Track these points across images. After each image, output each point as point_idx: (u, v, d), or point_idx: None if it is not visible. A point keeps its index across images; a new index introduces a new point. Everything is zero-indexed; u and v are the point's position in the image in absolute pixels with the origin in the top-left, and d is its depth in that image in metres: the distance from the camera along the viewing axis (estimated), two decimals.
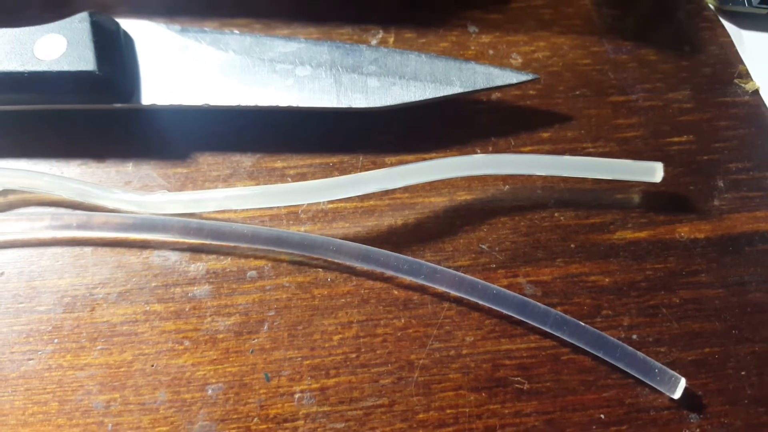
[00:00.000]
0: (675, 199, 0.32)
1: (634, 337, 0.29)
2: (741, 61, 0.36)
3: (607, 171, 0.31)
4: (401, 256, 0.29)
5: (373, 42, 0.35)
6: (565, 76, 0.35)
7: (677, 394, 0.28)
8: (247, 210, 0.31)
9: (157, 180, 0.31)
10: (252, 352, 0.28)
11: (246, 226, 0.29)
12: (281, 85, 0.32)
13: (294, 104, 0.31)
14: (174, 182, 0.31)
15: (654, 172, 0.31)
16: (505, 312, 0.29)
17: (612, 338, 0.28)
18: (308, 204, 0.31)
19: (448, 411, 0.28)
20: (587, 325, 0.28)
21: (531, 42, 0.36)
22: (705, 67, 0.36)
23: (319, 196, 0.30)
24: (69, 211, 0.31)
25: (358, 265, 0.30)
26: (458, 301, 0.29)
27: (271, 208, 0.31)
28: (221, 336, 0.28)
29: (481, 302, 0.29)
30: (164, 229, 0.29)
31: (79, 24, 0.31)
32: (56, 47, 0.30)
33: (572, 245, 0.31)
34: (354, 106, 0.32)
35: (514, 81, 0.33)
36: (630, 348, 0.28)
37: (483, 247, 0.31)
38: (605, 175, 0.31)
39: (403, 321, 0.29)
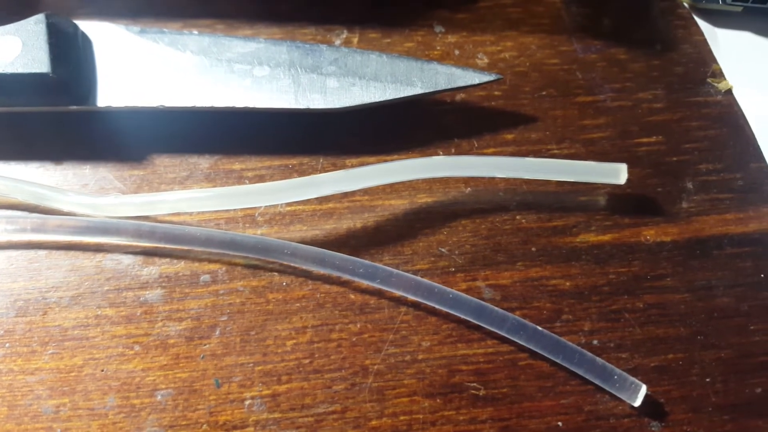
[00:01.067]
0: (641, 201, 0.32)
1: (595, 342, 0.28)
2: (715, 60, 0.36)
3: (569, 173, 0.30)
4: (357, 259, 0.29)
5: (337, 42, 0.35)
6: (531, 76, 0.34)
7: (637, 402, 0.27)
8: (202, 213, 0.30)
9: (114, 182, 0.31)
10: (203, 357, 0.28)
11: (199, 229, 0.29)
12: (238, 85, 0.31)
13: (251, 105, 0.31)
14: (130, 184, 0.31)
15: (618, 173, 0.30)
16: (462, 316, 0.28)
17: (570, 343, 0.27)
18: (265, 207, 0.30)
19: (402, 417, 0.27)
20: (545, 330, 0.28)
21: (498, 42, 0.35)
22: (677, 66, 0.36)
23: (274, 199, 0.29)
24: (24, 214, 0.30)
25: (314, 269, 0.29)
26: (416, 305, 0.29)
27: (227, 210, 0.30)
28: (172, 341, 0.28)
29: (437, 306, 0.28)
30: (117, 232, 0.29)
31: (34, 26, 0.30)
32: (11, 49, 0.30)
33: (533, 248, 0.30)
34: (312, 107, 0.31)
35: (477, 81, 0.32)
36: (589, 353, 0.27)
37: (442, 250, 0.30)
38: (567, 177, 0.31)
39: (358, 326, 0.29)
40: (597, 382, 0.27)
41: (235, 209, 0.30)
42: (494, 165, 0.30)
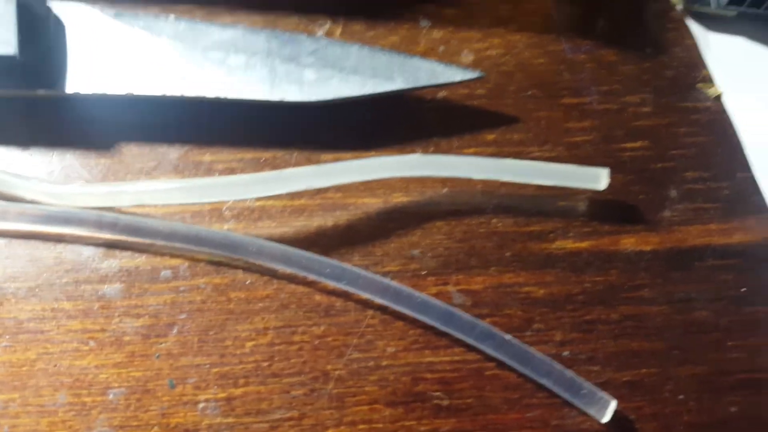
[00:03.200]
0: (623, 208, 0.31)
1: (566, 353, 0.28)
2: (705, 66, 0.35)
3: (548, 176, 0.29)
4: (324, 259, 0.28)
5: (320, 32, 0.34)
6: (517, 75, 0.33)
7: (606, 418, 0.26)
8: (168, 205, 0.29)
9: (80, 171, 0.30)
10: (158, 356, 0.27)
11: (162, 222, 0.28)
12: (212, 74, 0.30)
13: (223, 95, 0.30)
14: (96, 173, 0.30)
15: (598, 178, 0.29)
16: (429, 322, 0.27)
17: (539, 354, 0.27)
18: (233, 201, 0.30)
19: (361, 426, 0.26)
20: (514, 339, 0.27)
21: (485, 39, 0.34)
22: (667, 69, 0.34)
23: (240, 193, 0.28)
24: None
25: (280, 268, 0.28)
26: (383, 309, 0.28)
27: (193, 204, 0.29)
28: (128, 338, 0.27)
29: (405, 311, 0.27)
30: (79, 222, 0.28)
31: (4, 5, 0.29)
32: None
33: (508, 253, 0.29)
34: (287, 99, 0.30)
35: (458, 79, 0.31)
36: (557, 365, 0.26)
37: (415, 252, 0.29)
38: (546, 180, 0.30)
39: (322, 328, 0.28)
40: (565, 395, 0.26)
41: (201, 203, 0.29)
42: (471, 165, 0.29)
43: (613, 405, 0.26)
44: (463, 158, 0.30)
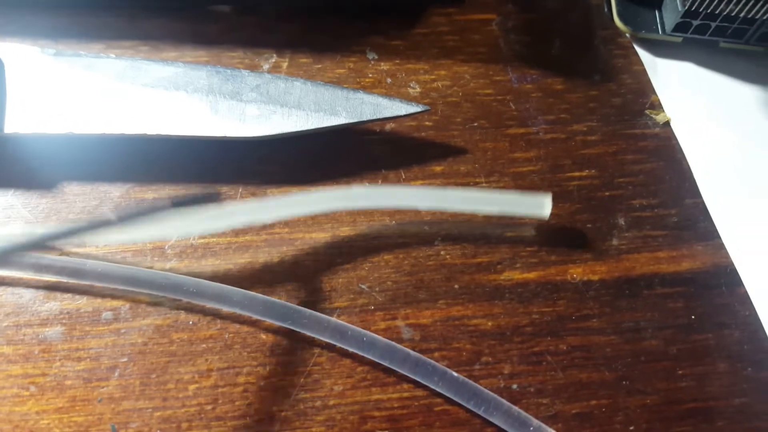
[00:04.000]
0: (570, 238, 0.30)
1: (515, 386, 0.27)
2: (654, 91, 0.35)
3: (491, 204, 0.29)
4: (267, 298, 0.27)
5: (266, 66, 0.33)
6: (464, 106, 0.33)
7: None
8: (108, 245, 0.29)
9: (21, 211, 0.29)
10: (100, 400, 0.26)
11: (102, 264, 0.28)
12: (153, 111, 0.30)
13: (164, 132, 0.30)
14: (38, 213, 0.30)
15: (542, 205, 0.29)
16: (375, 360, 0.27)
17: (485, 390, 0.26)
18: (176, 239, 0.29)
19: None
20: (459, 375, 0.26)
21: (432, 70, 0.34)
22: (615, 97, 0.35)
23: (181, 231, 0.28)
24: None
25: (221, 308, 0.27)
26: (330, 346, 0.28)
27: (134, 242, 0.29)
28: (69, 382, 0.26)
29: (351, 350, 0.27)
30: (17, 265, 0.27)
31: None
32: None
33: (456, 286, 0.29)
34: (229, 135, 0.30)
35: (403, 113, 0.31)
36: (505, 401, 0.26)
37: (363, 287, 0.29)
38: (489, 208, 0.29)
39: (268, 369, 0.27)
40: None
41: (143, 241, 0.29)
42: (415, 196, 0.29)
43: None
44: (406, 189, 0.30)
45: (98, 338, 0.27)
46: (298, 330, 0.27)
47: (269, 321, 0.27)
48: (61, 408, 0.26)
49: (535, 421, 0.26)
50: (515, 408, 0.26)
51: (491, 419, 0.26)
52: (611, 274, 0.30)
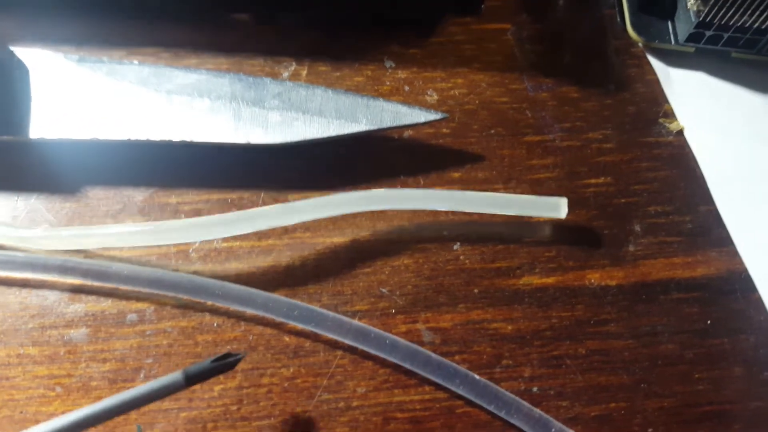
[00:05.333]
0: (587, 243, 0.31)
1: (535, 389, 0.28)
2: (667, 100, 0.35)
3: (509, 207, 0.30)
4: (291, 301, 0.28)
5: (285, 74, 0.34)
6: (480, 114, 0.34)
7: None
8: (133, 248, 0.29)
9: (45, 215, 0.30)
10: None
11: (125, 266, 0.28)
12: (177, 118, 0.30)
13: (188, 138, 0.30)
14: (62, 217, 0.30)
15: (558, 207, 0.30)
16: (397, 362, 0.27)
17: (507, 393, 0.27)
18: (200, 242, 0.29)
19: None
20: (481, 378, 0.27)
21: (448, 78, 0.35)
22: (629, 105, 0.35)
23: (206, 234, 0.29)
24: None
25: (246, 310, 0.28)
26: (352, 349, 0.28)
27: (159, 246, 0.29)
28: (95, 383, 0.27)
29: (373, 352, 0.27)
30: (43, 267, 0.28)
31: None
32: None
33: (476, 290, 0.30)
34: (253, 141, 0.30)
35: (423, 120, 0.31)
36: (526, 404, 0.27)
37: (383, 290, 0.29)
38: (507, 211, 0.30)
39: (291, 370, 0.28)
40: None
41: (168, 245, 0.29)
42: (434, 198, 0.30)
43: None
44: (425, 191, 0.30)
45: (123, 340, 0.28)
46: (321, 332, 0.27)
47: (293, 323, 0.28)
48: None
49: (557, 424, 0.26)
50: (536, 410, 0.26)
51: (513, 421, 0.26)
52: (628, 279, 0.30)
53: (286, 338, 0.28)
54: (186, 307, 0.28)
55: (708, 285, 0.31)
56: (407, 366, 0.27)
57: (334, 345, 0.28)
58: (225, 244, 0.30)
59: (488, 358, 0.28)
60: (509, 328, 0.29)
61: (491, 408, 0.26)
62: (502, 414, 0.26)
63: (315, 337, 0.28)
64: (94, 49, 0.34)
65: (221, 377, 0.27)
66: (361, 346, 0.27)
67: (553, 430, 0.26)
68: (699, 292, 0.30)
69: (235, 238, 0.30)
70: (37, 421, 0.26)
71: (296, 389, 0.27)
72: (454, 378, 0.27)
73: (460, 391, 0.27)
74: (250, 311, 0.28)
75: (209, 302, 0.28)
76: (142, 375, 0.27)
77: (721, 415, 0.28)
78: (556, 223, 0.31)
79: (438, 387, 0.28)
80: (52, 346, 0.27)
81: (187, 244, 0.29)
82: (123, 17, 0.35)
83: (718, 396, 0.28)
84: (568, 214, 0.30)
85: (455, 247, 0.31)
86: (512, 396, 0.26)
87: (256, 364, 0.27)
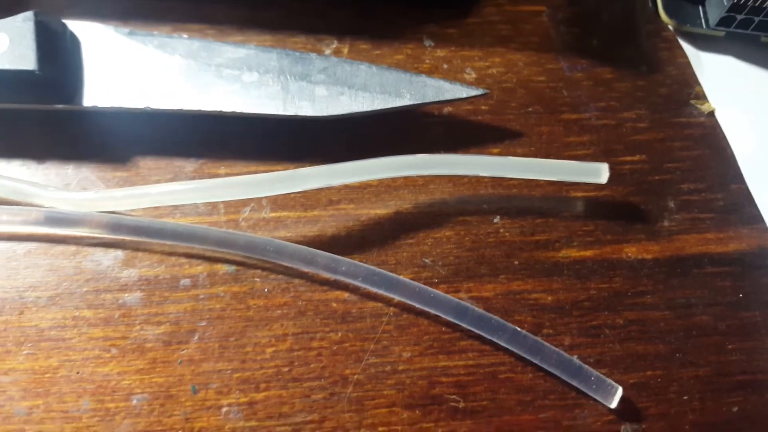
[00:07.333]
0: (623, 218, 0.32)
1: (575, 357, 0.28)
2: (698, 83, 0.36)
3: (551, 172, 0.31)
4: (340, 257, 0.29)
5: (327, 52, 0.35)
6: (518, 92, 0.35)
7: (614, 404, 0.27)
8: (186, 216, 0.30)
9: (96, 183, 0.31)
10: (180, 362, 0.27)
11: (181, 224, 0.29)
12: (227, 90, 0.31)
13: (238, 110, 0.31)
14: (113, 186, 0.31)
15: (599, 172, 0.31)
16: (443, 317, 0.28)
17: (549, 345, 0.28)
18: (250, 212, 0.30)
19: (380, 429, 0.27)
20: (525, 332, 0.28)
21: (486, 57, 0.36)
22: (661, 87, 0.36)
23: (257, 191, 0.29)
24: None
25: (297, 266, 0.29)
26: (397, 315, 0.29)
27: (210, 214, 0.30)
28: (149, 345, 0.28)
29: (418, 306, 0.28)
30: (99, 224, 0.29)
31: (22, 23, 0.30)
32: None
33: (516, 262, 0.30)
34: (300, 114, 0.31)
35: (464, 95, 0.32)
36: (566, 355, 0.28)
37: (426, 261, 0.30)
38: (549, 175, 0.31)
39: (339, 335, 0.28)
40: (574, 383, 0.28)
41: (219, 215, 0.30)
42: (477, 164, 0.31)
43: (620, 391, 0.27)
44: (469, 156, 0.31)
45: (177, 303, 0.29)
46: (368, 287, 0.28)
47: (342, 278, 0.28)
48: (142, 369, 0.27)
49: (595, 373, 0.27)
50: (576, 360, 0.27)
51: (555, 372, 0.27)
52: (663, 253, 0.31)
53: (334, 305, 0.29)
54: (237, 272, 0.29)
55: (740, 260, 0.31)
56: (453, 320, 0.28)
57: (379, 312, 0.29)
58: (273, 214, 0.31)
59: (529, 327, 0.29)
60: (549, 298, 0.30)
61: (536, 360, 0.28)
62: (544, 365, 0.27)
63: (361, 304, 0.29)
64: (140, 26, 0.35)
65: (272, 340, 0.28)
66: (407, 300, 0.28)
67: (593, 378, 0.27)
68: (731, 267, 0.31)
69: (282, 208, 0.31)
70: (93, 381, 0.27)
71: (344, 353, 0.28)
72: (499, 332, 0.28)
73: (506, 344, 0.28)
74: (299, 268, 0.29)
75: (260, 269, 0.29)
76: (196, 337, 0.28)
77: (753, 384, 0.29)
78: (592, 198, 0.32)
79: (481, 353, 0.28)
80: (107, 309, 0.28)
81: (237, 213, 0.30)
82: None
83: (751, 366, 0.29)
84: (605, 188, 0.31)
85: (495, 220, 0.31)
86: (555, 349, 0.28)
87: (306, 328, 0.28)
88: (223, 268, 0.29)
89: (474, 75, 0.35)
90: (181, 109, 0.31)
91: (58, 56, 0.31)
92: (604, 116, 0.34)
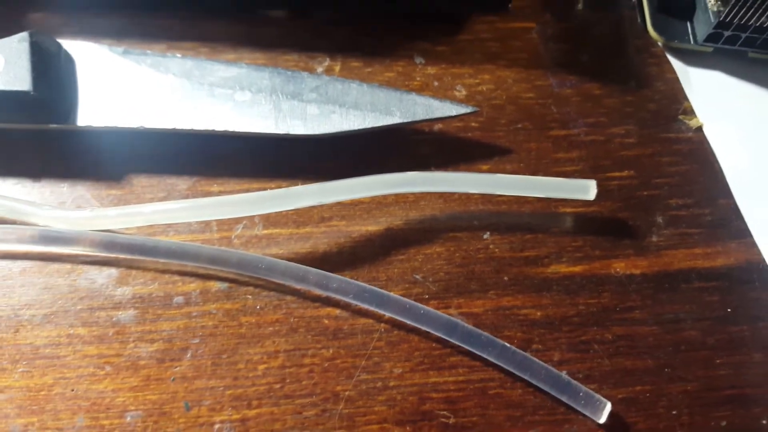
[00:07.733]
0: (612, 234, 0.32)
1: (564, 372, 0.29)
2: (686, 98, 0.37)
3: (539, 188, 0.31)
4: (331, 275, 0.29)
5: (320, 69, 0.35)
6: (507, 109, 0.35)
7: (603, 419, 0.27)
8: (178, 233, 0.30)
9: (91, 201, 0.31)
10: (173, 380, 0.28)
11: (174, 242, 0.29)
12: (219, 109, 0.31)
13: (231, 129, 0.31)
14: (107, 204, 0.31)
15: (587, 189, 0.31)
16: (433, 333, 0.28)
17: (538, 360, 0.28)
18: (242, 229, 0.31)
19: None
20: (515, 348, 0.28)
21: (476, 74, 0.36)
22: (650, 102, 0.36)
23: (250, 210, 0.30)
24: None
25: (289, 284, 0.29)
26: (388, 331, 0.29)
27: (203, 232, 0.30)
28: (143, 362, 0.28)
29: (409, 322, 0.29)
30: (91, 243, 0.29)
31: (18, 44, 0.31)
32: None
33: (506, 278, 0.31)
34: (292, 132, 0.31)
35: (454, 113, 0.33)
36: (555, 370, 0.28)
37: (417, 277, 0.31)
38: (537, 192, 0.31)
39: (331, 351, 0.29)
40: (563, 398, 0.28)
41: (211, 232, 0.30)
42: (466, 181, 0.31)
43: (608, 407, 0.28)
44: (458, 174, 0.32)
45: (170, 321, 0.29)
46: (358, 303, 0.29)
47: (333, 295, 0.29)
48: (136, 386, 0.28)
49: (584, 389, 0.27)
50: (565, 376, 0.28)
51: (544, 387, 0.28)
52: (651, 268, 0.32)
53: (326, 321, 0.29)
54: (230, 290, 0.29)
55: (727, 275, 0.32)
56: (443, 336, 0.28)
57: (371, 328, 0.29)
58: (265, 231, 0.31)
59: (519, 343, 0.29)
60: (538, 314, 0.30)
61: (525, 376, 0.28)
62: (533, 381, 0.28)
63: (353, 321, 0.29)
64: (135, 44, 0.35)
65: (264, 356, 0.28)
66: (398, 317, 0.29)
67: (581, 393, 0.27)
68: (719, 282, 0.32)
69: (275, 225, 0.31)
70: (87, 399, 0.27)
71: (336, 369, 0.28)
72: (489, 347, 0.28)
73: (495, 360, 0.28)
74: (290, 286, 0.29)
75: (252, 286, 0.29)
76: (189, 354, 0.28)
77: (741, 399, 0.29)
78: (581, 214, 0.32)
79: (471, 369, 0.29)
80: (101, 327, 0.29)
81: (230, 230, 0.31)
82: (161, 13, 0.36)
83: (739, 380, 0.30)
84: (594, 204, 0.32)
85: (485, 236, 0.32)
86: (543, 364, 0.28)
87: (297, 345, 0.29)
88: (216, 286, 0.30)
89: (464, 92, 0.36)
90: (174, 128, 0.31)
91: (53, 76, 0.31)
92: (593, 132, 0.35)
